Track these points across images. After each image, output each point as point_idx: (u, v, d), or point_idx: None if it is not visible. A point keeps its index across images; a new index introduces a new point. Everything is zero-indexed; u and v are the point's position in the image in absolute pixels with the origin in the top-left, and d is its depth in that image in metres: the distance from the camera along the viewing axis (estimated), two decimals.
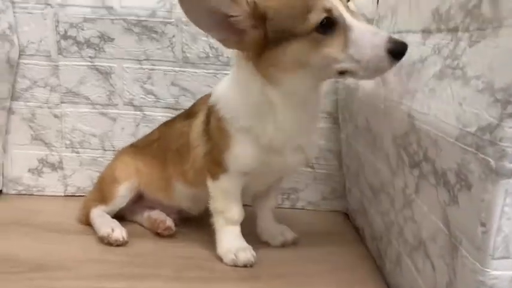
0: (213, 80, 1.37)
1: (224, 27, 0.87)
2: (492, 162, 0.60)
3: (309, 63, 0.87)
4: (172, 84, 1.39)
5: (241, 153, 0.99)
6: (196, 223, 1.23)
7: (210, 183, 1.07)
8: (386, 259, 1.02)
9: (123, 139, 1.43)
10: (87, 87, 1.40)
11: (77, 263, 1.02)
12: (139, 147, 1.28)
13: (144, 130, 1.41)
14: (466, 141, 0.66)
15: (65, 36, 1.36)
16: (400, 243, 0.94)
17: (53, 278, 0.96)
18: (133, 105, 1.41)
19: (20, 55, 1.37)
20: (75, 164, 1.46)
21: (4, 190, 1.45)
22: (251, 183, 1.07)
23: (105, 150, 1.45)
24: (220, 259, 1.07)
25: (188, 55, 1.36)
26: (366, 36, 0.82)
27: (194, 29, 1.30)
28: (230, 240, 1.08)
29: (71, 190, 1.47)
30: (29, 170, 1.45)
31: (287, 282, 0.99)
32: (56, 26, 1.35)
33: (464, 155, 0.66)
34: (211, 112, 1.05)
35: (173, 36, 1.35)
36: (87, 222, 1.22)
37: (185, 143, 1.12)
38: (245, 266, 1.05)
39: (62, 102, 1.41)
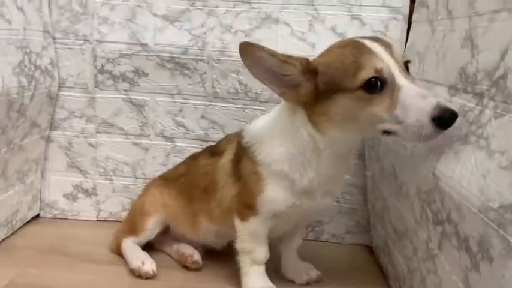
0: (241, 114, 1.42)
1: (281, 83, 0.93)
2: None
3: (355, 118, 0.89)
4: (202, 117, 1.44)
5: (273, 197, 1.02)
6: (221, 256, 1.27)
7: (238, 223, 1.10)
8: None
9: (154, 168, 1.49)
10: (122, 118, 1.46)
11: None
12: (168, 181, 1.32)
13: (174, 160, 1.47)
14: (489, 216, 0.68)
15: (102, 71, 1.42)
16: None
17: None
18: (165, 136, 1.47)
19: (59, 87, 1.44)
20: (108, 191, 1.52)
21: (41, 214, 1.53)
22: (278, 225, 1.11)
23: (136, 178, 1.51)
24: None
25: (218, 90, 1.41)
26: (414, 99, 0.81)
27: (224, 66, 1.37)
28: (255, 280, 1.11)
29: (103, 215, 1.54)
30: (64, 195, 1.53)
31: None
32: (94, 61, 1.42)
33: (486, 228, 0.68)
34: (243, 153, 1.06)
35: (204, 72, 1.40)
36: (118, 252, 1.28)
37: (211, 181, 1.15)
38: None
39: (97, 132, 1.48)
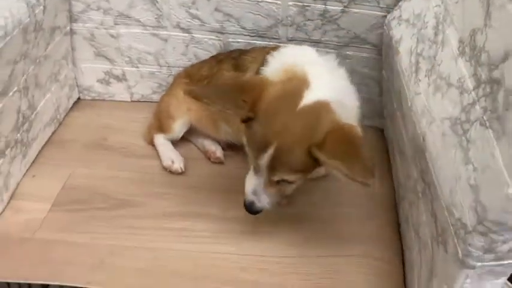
0: (256, 8, 1.36)
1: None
2: None
3: None
4: (216, 9, 1.39)
5: None
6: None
7: None
8: None
9: (176, 57, 1.53)
10: (137, 10, 1.44)
11: (147, 199, 1.29)
12: (192, 80, 1.37)
13: (194, 50, 1.50)
14: None
15: None
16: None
17: (132, 215, 1.25)
18: (181, 28, 1.46)
19: None
20: (136, 77, 1.61)
21: (81, 96, 1.68)
22: None
23: (160, 66, 1.57)
24: None
25: None
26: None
27: None
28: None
29: (136, 97, 1.67)
30: (98, 81, 1.64)
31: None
32: None
33: None
34: None
35: None
36: (151, 143, 1.45)
37: None
38: None
39: (115, 24, 1.48)
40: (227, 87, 1.02)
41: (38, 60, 1.32)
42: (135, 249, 1.15)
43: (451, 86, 0.85)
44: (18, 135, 1.27)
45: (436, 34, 0.98)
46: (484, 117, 0.72)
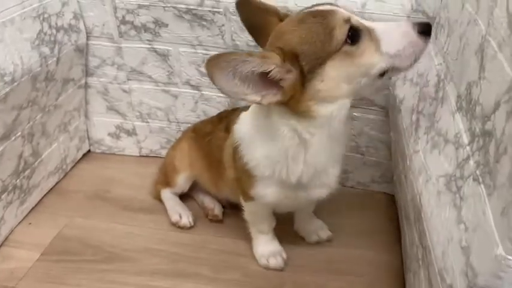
0: None
1: (260, 87, 0.84)
2: None
3: (350, 76, 0.86)
4: None
5: (264, 193, 1.05)
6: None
7: (242, 201, 1.16)
8: None
9: (185, 113, 1.54)
10: (149, 67, 1.48)
11: (139, 254, 1.24)
12: (198, 135, 1.35)
13: (203, 107, 1.51)
14: None
15: (124, 21, 1.41)
16: None
17: (118, 270, 1.19)
18: (191, 85, 1.48)
19: (88, 37, 1.46)
20: (146, 131, 1.62)
21: (91, 149, 1.69)
22: (280, 207, 1.15)
23: (170, 121, 1.58)
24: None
25: (238, 43, 1.35)
26: (393, 30, 0.86)
27: None
28: (263, 247, 1.21)
29: (144, 152, 1.67)
30: (109, 134, 1.66)
31: None
32: (115, 12, 1.40)
33: None
34: (236, 148, 1.06)
35: (222, 25, 1.33)
36: (158, 198, 1.43)
37: (221, 157, 1.19)
38: (275, 269, 1.19)
39: (128, 79, 1.52)
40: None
41: (47, 109, 1.35)
42: None
43: (448, 142, 0.80)
44: (18, 180, 1.27)
45: (437, 91, 0.94)
46: (477, 171, 0.66)
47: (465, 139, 0.74)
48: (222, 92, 0.84)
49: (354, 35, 0.84)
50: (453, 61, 0.91)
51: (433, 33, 1.08)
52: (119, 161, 1.65)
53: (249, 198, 1.10)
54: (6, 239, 1.27)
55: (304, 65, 0.84)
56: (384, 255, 1.24)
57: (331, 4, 0.89)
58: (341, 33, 0.83)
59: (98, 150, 1.69)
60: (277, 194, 1.04)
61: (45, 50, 1.27)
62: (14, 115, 1.19)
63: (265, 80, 0.84)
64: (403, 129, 1.03)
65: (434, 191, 0.78)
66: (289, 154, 0.95)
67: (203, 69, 1.43)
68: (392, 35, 0.85)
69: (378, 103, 1.34)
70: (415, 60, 0.87)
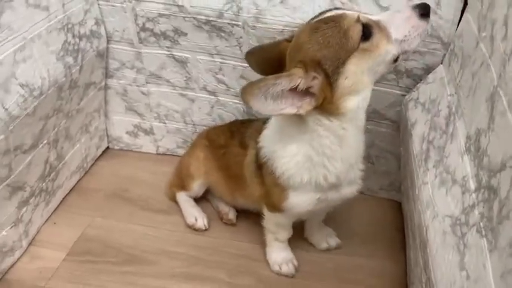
0: None
1: (293, 99, 0.93)
2: None
3: (370, 68, 0.94)
4: (241, 77, 1.45)
5: (297, 202, 1.09)
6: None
7: (265, 211, 1.22)
8: None
9: (201, 116, 1.59)
10: (167, 72, 1.52)
11: (158, 257, 1.32)
12: (212, 143, 1.40)
13: (218, 112, 1.56)
14: None
15: (144, 28, 1.44)
16: None
17: (138, 273, 1.27)
18: (208, 91, 1.53)
19: (108, 41, 1.50)
20: (163, 131, 1.68)
21: (110, 146, 1.75)
22: (303, 216, 1.21)
23: (186, 123, 1.63)
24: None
25: None
26: (396, 18, 0.94)
27: (260, 32, 1.33)
28: (277, 254, 1.28)
29: (161, 150, 1.73)
30: (127, 132, 1.71)
31: None
32: (135, 19, 1.43)
33: None
34: (263, 164, 1.11)
35: (240, 37, 1.36)
36: (173, 200, 1.50)
37: (241, 173, 1.24)
38: (287, 276, 1.27)
39: (147, 83, 1.57)
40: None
41: (70, 114, 1.40)
42: None
43: (456, 183, 0.85)
44: (44, 184, 1.34)
45: (447, 124, 0.99)
46: (481, 224, 0.71)
47: (472, 185, 0.79)
48: (261, 113, 0.94)
49: (366, 31, 0.91)
50: (465, 97, 0.95)
51: (446, 60, 1.12)
52: (137, 158, 1.71)
53: (277, 210, 1.15)
54: (33, 239, 1.35)
55: (327, 68, 0.92)
56: (389, 264, 1.31)
57: (337, 8, 0.98)
58: (355, 33, 0.91)
59: (116, 147, 1.76)
60: (311, 201, 1.09)
61: (69, 60, 1.31)
62: (41, 125, 1.25)
63: (296, 92, 0.92)
64: (413, 156, 1.08)
65: (440, 229, 0.83)
66: (327, 153, 1.01)
67: (220, 76, 1.47)
68: (397, 22, 0.93)
69: (389, 117, 1.38)
70: (421, 40, 0.96)
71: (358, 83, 0.94)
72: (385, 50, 0.93)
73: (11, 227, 1.22)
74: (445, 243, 0.80)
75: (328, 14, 0.95)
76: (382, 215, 1.48)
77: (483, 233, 0.69)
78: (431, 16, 1.10)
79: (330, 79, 0.92)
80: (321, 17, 0.95)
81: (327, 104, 0.94)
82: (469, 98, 0.92)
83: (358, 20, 0.91)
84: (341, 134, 0.98)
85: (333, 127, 0.97)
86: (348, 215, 1.44)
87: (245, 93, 0.88)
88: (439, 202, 0.88)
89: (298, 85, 0.91)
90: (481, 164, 0.77)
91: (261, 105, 0.90)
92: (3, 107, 1.07)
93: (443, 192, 0.88)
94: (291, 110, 0.93)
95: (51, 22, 1.24)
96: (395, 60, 0.96)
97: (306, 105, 0.94)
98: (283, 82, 0.89)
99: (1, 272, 1.23)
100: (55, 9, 1.25)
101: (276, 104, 0.91)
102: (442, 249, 0.80)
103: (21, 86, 1.12)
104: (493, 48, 0.86)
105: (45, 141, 1.29)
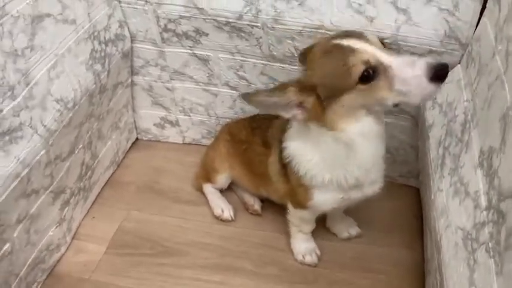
0: (299, 74, 1.44)
1: (288, 109, 1.00)
2: None
3: (364, 106, 0.98)
4: (262, 73, 1.49)
5: (322, 201, 1.16)
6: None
7: (290, 207, 1.29)
8: None
9: (224, 110, 1.66)
10: (190, 69, 1.57)
11: (190, 248, 1.42)
12: (234, 138, 1.46)
13: (241, 105, 1.62)
14: None
15: (166, 29, 1.48)
16: None
17: (173, 264, 1.38)
18: (230, 86, 1.58)
19: (132, 40, 1.55)
20: (188, 123, 1.75)
21: (139, 137, 1.84)
22: (329, 211, 1.29)
23: (210, 116, 1.70)
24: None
25: (275, 53, 1.42)
26: (406, 71, 0.90)
27: (279, 33, 1.36)
28: (300, 244, 1.37)
29: (187, 140, 1.81)
30: (154, 124, 1.79)
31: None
32: (157, 21, 1.47)
33: None
34: (288, 164, 1.16)
35: (260, 37, 1.39)
36: (200, 190, 1.59)
37: (265, 171, 1.30)
38: (309, 265, 1.36)
39: (171, 79, 1.62)
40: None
41: (101, 116, 1.48)
42: None
43: (468, 196, 0.90)
44: (81, 183, 1.44)
45: (463, 132, 1.02)
46: (490, 244, 0.77)
47: (483, 202, 0.84)
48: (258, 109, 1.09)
49: (369, 75, 0.91)
50: (480, 109, 0.98)
51: (464, 61, 1.14)
52: (165, 149, 1.80)
53: (302, 208, 1.22)
54: (76, 232, 1.46)
55: (321, 93, 0.97)
56: (407, 253, 1.38)
57: (359, 36, 0.96)
58: (356, 73, 0.91)
59: (144, 138, 1.84)
60: (335, 200, 1.15)
61: (98, 67, 1.37)
62: (76, 132, 1.33)
63: (292, 106, 1.00)
64: (429, 159, 1.12)
65: (453, 240, 0.89)
66: (342, 158, 1.06)
67: (241, 73, 1.52)
68: (405, 75, 0.90)
69: (408, 111, 1.41)
70: (425, 99, 0.98)
71: (352, 113, 0.98)
72: (382, 96, 0.93)
73: (56, 227, 1.33)
74: (457, 255, 0.86)
75: (345, 43, 0.95)
76: (401, 202, 1.54)
77: (491, 253, 0.75)
78: (449, 17, 1.12)
79: (323, 102, 0.97)
80: (339, 41, 0.96)
81: (318, 120, 1.00)
82: (483, 111, 0.95)
83: (366, 62, 0.91)
84: (349, 143, 1.02)
85: (337, 137, 1.02)
86: (368, 202, 1.49)
87: (245, 99, 1.00)
88: (453, 212, 0.93)
89: (291, 102, 0.98)
90: (492, 184, 0.82)
91: (260, 109, 1.10)
92: (43, 125, 1.15)
93: (457, 203, 0.93)
94: (286, 115, 1.01)
95: (79, 33, 1.29)
96: (396, 105, 0.96)
97: (298, 115, 1.01)
98: (276, 98, 0.98)
99: (50, 266, 1.35)
100: (82, 21, 1.30)
101: (274, 110, 1.01)
102: (455, 261, 0.87)
103: (57, 101, 1.20)
104: (507, 65, 0.88)
105: (80, 146, 1.38)
